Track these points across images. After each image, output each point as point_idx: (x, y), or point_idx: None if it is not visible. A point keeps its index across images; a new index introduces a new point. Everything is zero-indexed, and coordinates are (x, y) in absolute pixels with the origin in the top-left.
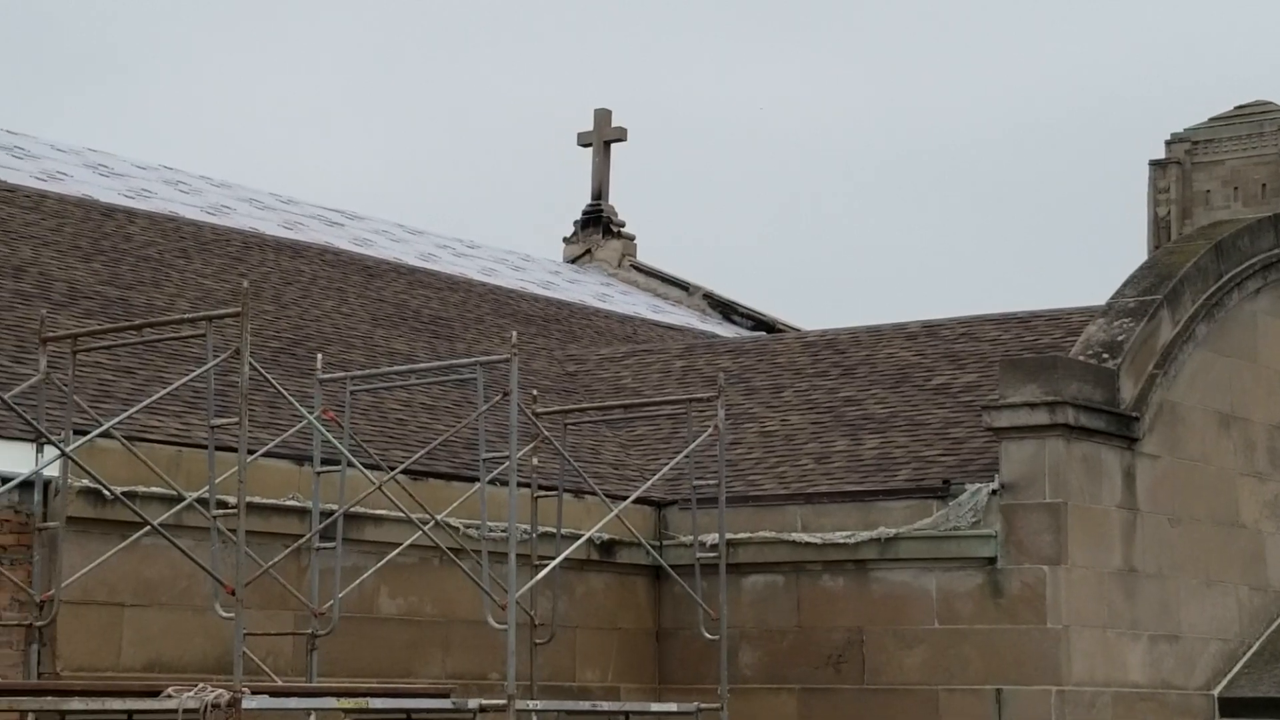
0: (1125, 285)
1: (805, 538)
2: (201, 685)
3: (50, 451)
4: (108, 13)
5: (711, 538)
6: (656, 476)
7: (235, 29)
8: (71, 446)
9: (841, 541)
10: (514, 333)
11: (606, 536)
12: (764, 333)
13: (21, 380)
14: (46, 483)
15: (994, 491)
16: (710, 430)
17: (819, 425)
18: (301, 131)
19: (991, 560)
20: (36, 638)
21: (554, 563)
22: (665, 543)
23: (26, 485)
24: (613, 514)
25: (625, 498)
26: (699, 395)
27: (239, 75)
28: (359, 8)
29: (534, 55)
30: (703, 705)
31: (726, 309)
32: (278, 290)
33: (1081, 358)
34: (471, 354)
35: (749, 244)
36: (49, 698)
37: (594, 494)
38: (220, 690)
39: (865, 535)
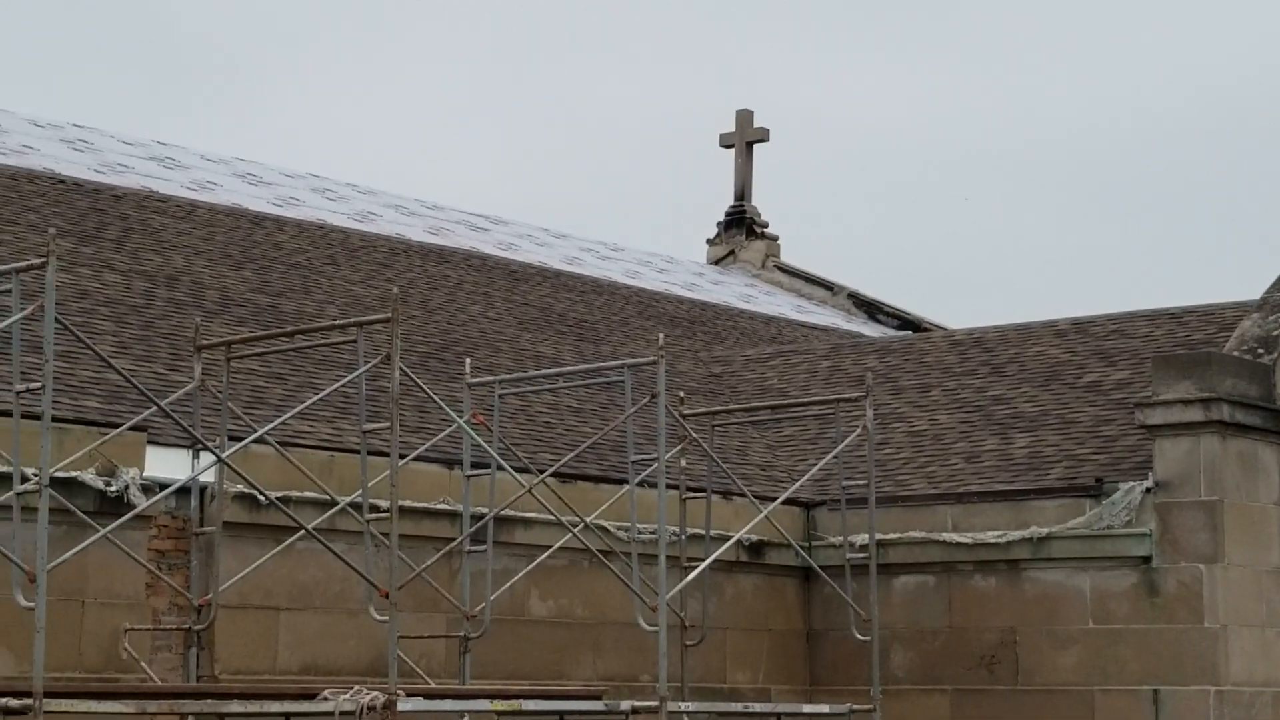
0: None
1: (956, 538)
2: (357, 688)
3: (206, 458)
4: (240, 23)
5: (861, 538)
6: (805, 477)
7: (367, 33)
8: (227, 453)
9: (993, 541)
10: (661, 335)
11: (755, 538)
12: (910, 332)
13: (177, 388)
14: (203, 488)
15: (1148, 490)
16: (858, 430)
17: (968, 424)
18: (440, 137)
19: (1146, 559)
20: (195, 641)
21: (704, 564)
22: (814, 544)
23: (183, 491)
24: (762, 515)
25: (774, 499)
26: (846, 395)
27: (376, 81)
28: (496, 9)
29: (674, 57)
30: (855, 707)
31: (871, 308)
32: (425, 295)
33: (1236, 353)
34: (617, 357)
35: (893, 243)
36: (209, 700)
37: (742, 495)
38: (376, 693)
39: (1017, 535)
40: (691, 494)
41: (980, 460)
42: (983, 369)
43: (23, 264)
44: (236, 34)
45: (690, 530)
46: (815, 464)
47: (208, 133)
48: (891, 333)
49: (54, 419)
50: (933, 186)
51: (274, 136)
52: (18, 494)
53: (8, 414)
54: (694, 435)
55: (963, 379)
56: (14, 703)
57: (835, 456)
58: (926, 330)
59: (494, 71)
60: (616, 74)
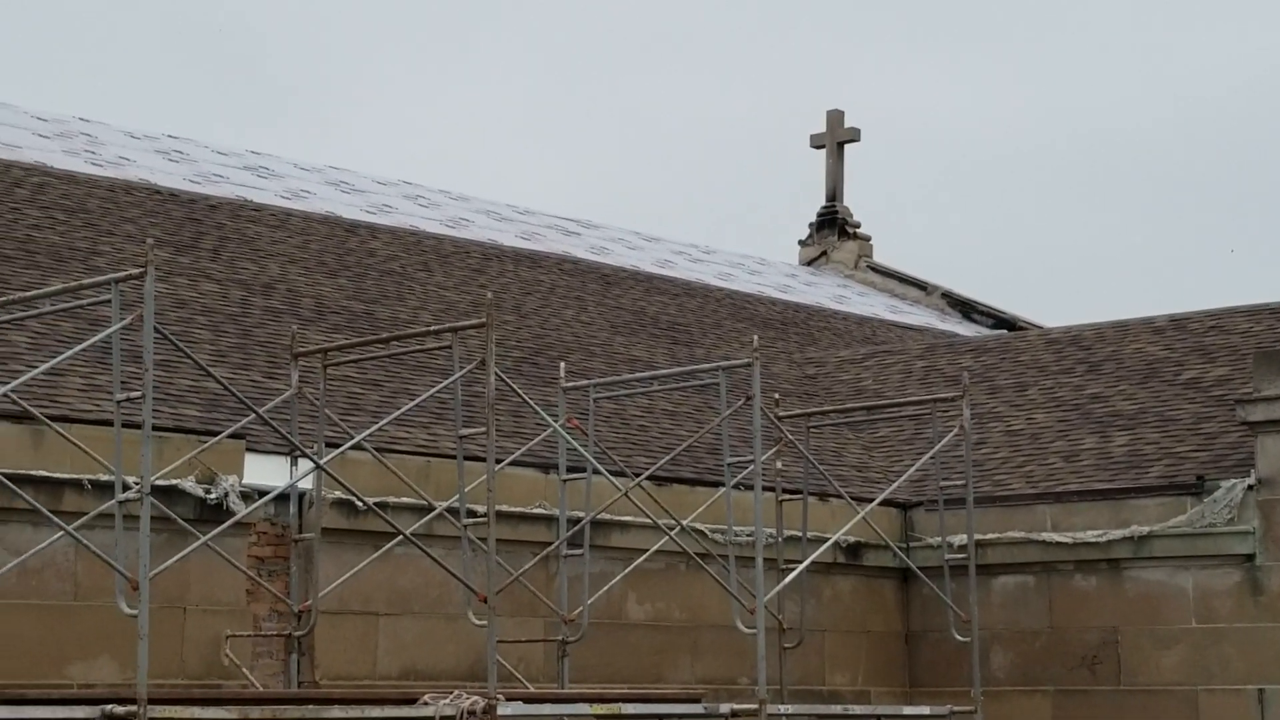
0: None
1: (1056, 537)
2: (457, 693)
3: (305, 464)
4: (317, 36)
5: (960, 539)
6: (902, 478)
7: (449, 37)
8: (325, 459)
9: (1093, 541)
10: (755, 336)
11: (853, 539)
12: (1005, 330)
13: (274, 395)
14: (301, 495)
15: (1250, 487)
16: (955, 430)
17: (1066, 423)
18: (529, 141)
19: (1250, 557)
20: (295, 647)
21: (801, 566)
22: (912, 544)
23: (282, 498)
24: (859, 516)
25: (871, 500)
26: (942, 395)
27: (464, 88)
28: (587, 12)
29: (765, 58)
30: (955, 708)
31: (966, 307)
32: (518, 300)
33: None
34: (710, 359)
35: (984, 241)
36: (310, 706)
37: (839, 497)
38: (475, 697)
39: (1118, 534)
40: (788, 496)
41: (1079, 459)
42: (1080, 367)
43: (122, 274)
44: (311, 43)
45: (787, 532)
46: (912, 465)
47: (282, 141)
48: (986, 332)
49: (154, 428)
50: (1022, 185)
51: (358, 146)
52: (120, 502)
53: (109, 423)
54: (790, 437)
55: (1060, 377)
56: (119, 709)
57: (932, 457)
58: (1022, 329)
59: (584, 75)
60: (707, 76)
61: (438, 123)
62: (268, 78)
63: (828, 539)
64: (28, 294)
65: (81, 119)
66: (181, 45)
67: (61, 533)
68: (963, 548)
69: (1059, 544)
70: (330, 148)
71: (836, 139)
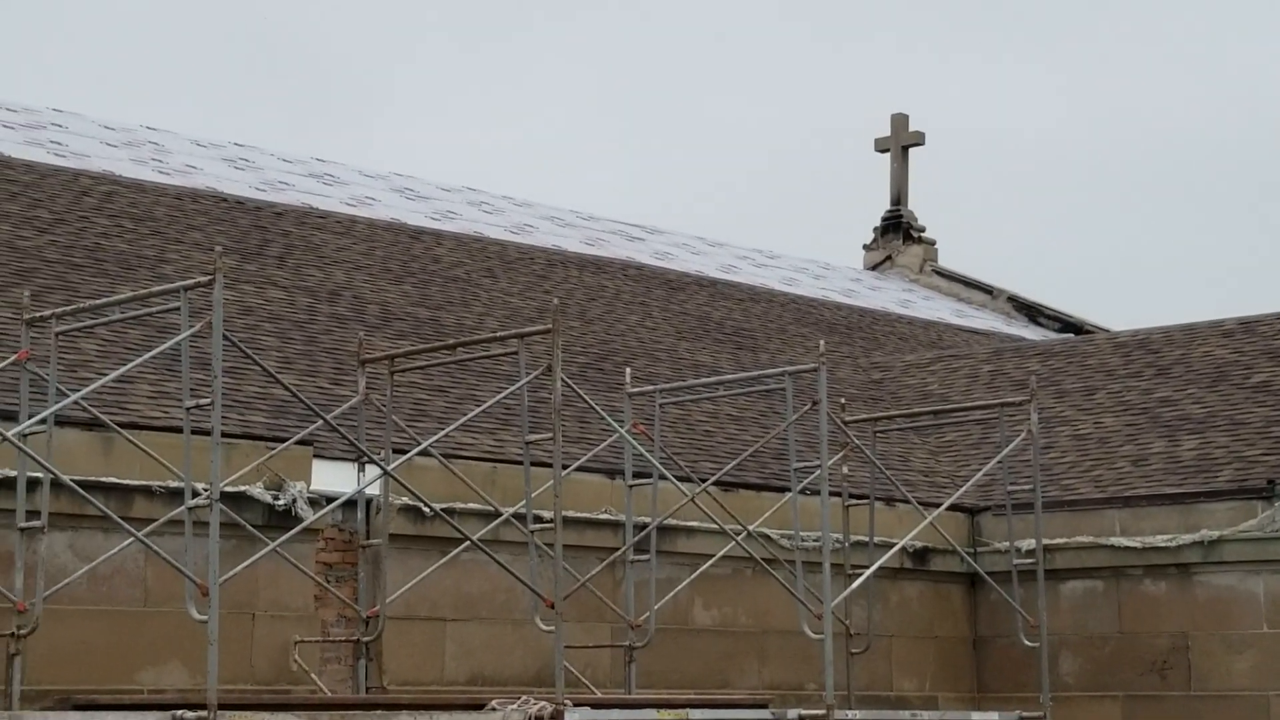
0: None
1: (1125, 542)
2: (524, 698)
3: (372, 470)
4: (373, 41)
5: (1027, 543)
6: (970, 483)
7: (512, 40)
8: (392, 465)
9: (1163, 545)
10: (821, 341)
11: (920, 544)
12: (1072, 334)
13: (340, 402)
14: (368, 501)
15: None
16: (1023, 435)
17: (1134, 427)
18: (592, 146)
19: None
20: (364, 653)
21: (868, 571)
22: (979, 549)
23: (350, 504)
24: (926, 521)
25: (938, 505)
26: (1010, 399)
27: (525, 93)
28: (650, 16)
29: (828, 62)
30: (1024, 714)
31: (1032, 311)
32: (582, 306)
33: None
34: (775, 364)
35: (1050, 245)
36: (379, 711)
37: (906, 501)
38: (543, 702)
39: (1188, 538)
40: (855, 501)
41: (1147, 463)
42: (1148, 370)
43: (190, 282)
44: (367, 49)
45: (854, 537)
46: (979, 469)
47: (338, 148)
48: (1053, 335)
49: (223, 434)
50: (1089, 187)
51: (420, 154)
52: (189, 509)
53: (178, 430)
54: (856, 442)
55: (1128, 381)
56: (189, 715)
57: (1000, 462)
58: (1088, 332)
59: (646, 79)
60: (771, 81)
61: (499, 129)
62: (323, 84)
63: (895, 544)
64: (97, 302)
65: (148, 128)
66: (239, 54)
67: (132, 539)
68: (1030, 552)
69: (1128, 549)
70: (392, 156)
71: (901, 143)
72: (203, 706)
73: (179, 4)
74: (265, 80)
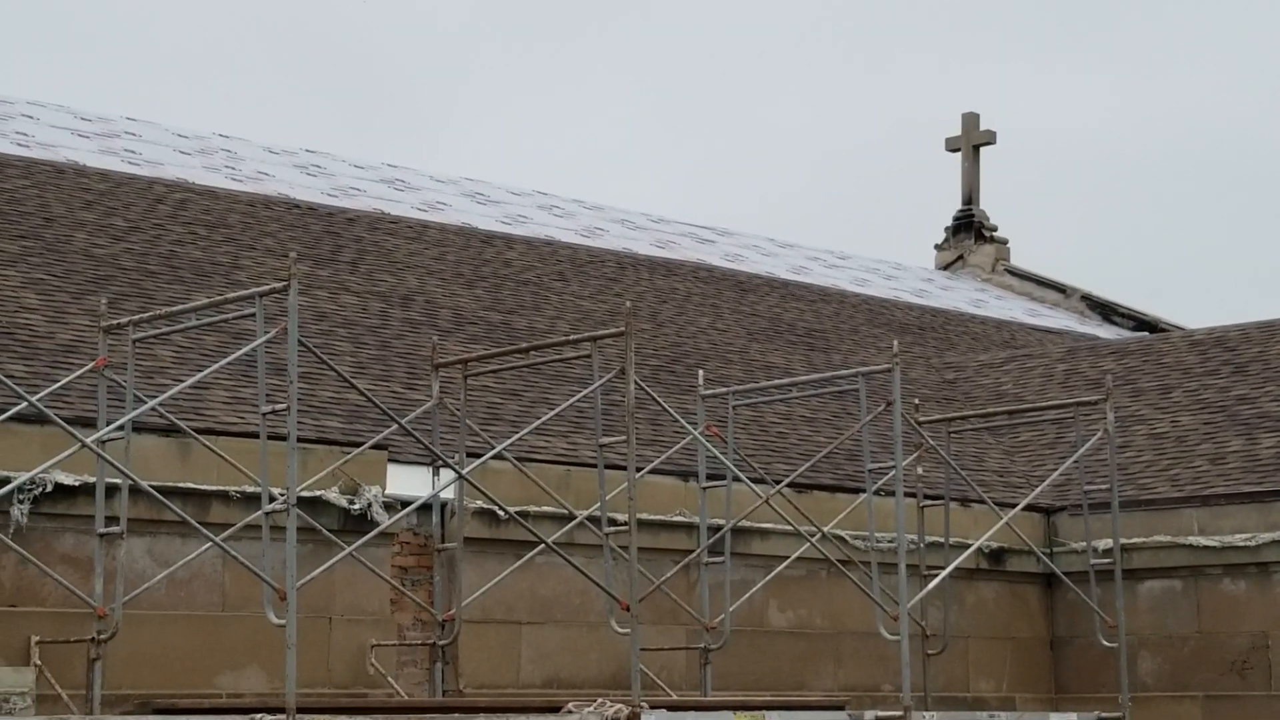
0: None
1: (1203, 541)
2: (601, 700)
3: (447, 474)
4: (435, 47)
5: (1104, 543)
6: (1046, 483)
7: (574, 43)
8: (467, 469)
9: (1242, 544)
10: (895, 342)
11: (995, 545)
12: (1146, 332)
13: (414, 406)
14: (443, 505)
15: None
16: (1099, 434)
17: (1211, 425)
18: (661, 149)
19: None
20: (440, 656)
21: (944, 572)
22: (1056, 550)
23: (425, 508)
24: (1002, 522)
25: (1013, 505)
26: (1085, 399)
27: (590, 97)
28: (718, 15)
29: (898, 62)
30: (1103, 715)
31: (1106, 310)
32: (654, 309)
33: None
34: (848, 365)
35: (1124, 243)
36: (456, 715)
37: (981, 502)
38: (619, 705)
39: (1268, 537)
40: (929, 502)
41: (1225, 461)
42: (1225, 368)
43: (265, 288)
44: (430, 55)
45: (929, 538)
46: (1054, 469)
47: (402, 154)
48: (1127, 334)
49: (298, 439)
50: (1160, 185)
51: (488, 158)
52: (266, 513)
53: (254, 435)
54: (930, 442)
55: (1204, 379)
56: (268, 718)
57: (1075, 461)
58: (1164, 330)
59: (717, 79)
60: (841, 80)
61: (562, 132)
62: (383, 90)
63: (970, 545)
64: (173, 309)
65: (221, 135)
66: (300, 60)
67: (209, 544)
68: (1108, 552)
69: (1207, 548)
70: (454, 162)
71: (972, 142)
72: (281, 710)
73: (245, 14)
74: (328, 87)
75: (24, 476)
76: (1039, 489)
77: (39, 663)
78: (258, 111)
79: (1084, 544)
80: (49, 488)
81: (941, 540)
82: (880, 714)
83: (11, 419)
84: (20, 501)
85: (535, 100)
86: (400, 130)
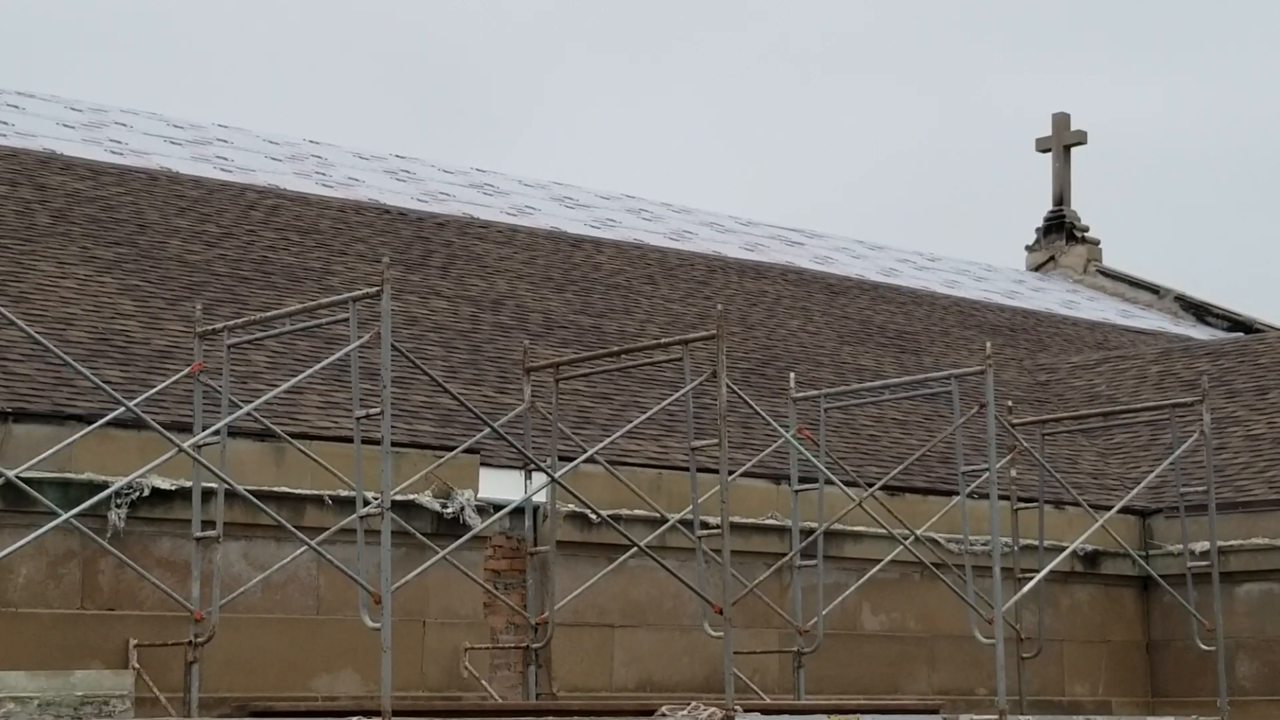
0: None
1: None
2: (694, 704)
3: (539, 478)
4: (513, 51)
5: (1201, 545)
6: (1141, 485)
7: (647, 44)
8: (559, 473)
9: None
10: (988, 343)
11: (1090, 547)
12: (1241, 333)
13: (505, 410)
14: (535, 508)
15: None
16: (1195, 435)
17: None
18: (750, 151)
19: None
20: (533, 659)
21: (1039, 576)
22: (1151, 552)
23: (517, 512)
24: (1097, 524)
25: (1108, 508)
26: (1180, 400)
27: (666, 96)
28: (804, 15)
29: (987, 62)
30: (1200, 719)
31: (1200, 310)
32: (743, 311)
33: None
34: (939, 367)
35: (1215, 244)
36: (549, 718)
37: (1075, 504)
38: (713, 708)
39: None
40: (1023, 504)
41: None
42: None
43: (358, 293)
44: (507, 59)
45: (1022, 541)
46: (1149, 471)
47: (485, 160)
48: (1222, 335)
49: (391, 444)
50: (1252, 185)
51: (576, 161)
52: (361, 517)
53: (347, 439)
54: (1024, 444)
55: None
56: None
57: (1171, 463)
58: (1259, 331)
59: (803, 80)
60: (929, 81)
61: (649, 133)
62: (462, 95)
63: (1065, 547)
64: (267, 314)
65: (311, 141)
66: (379, 64)
67: (304, 547)
68: (1204, 555)
69: None
70: (536, 165)
71: (1063, 142)
72: (377, 713)
73: (329, 21)
74: (407, 91)
75: (122, 481)
76: (1134, 491)
77: (137, 666)
78: (339, 116)
79: (1180, 546)
80: (146, 492)
81: (1035, 543)
82: (975, 718)
83: (109, 424)
84: (118, 506)
85: (619, 102)
86: (478, 134)
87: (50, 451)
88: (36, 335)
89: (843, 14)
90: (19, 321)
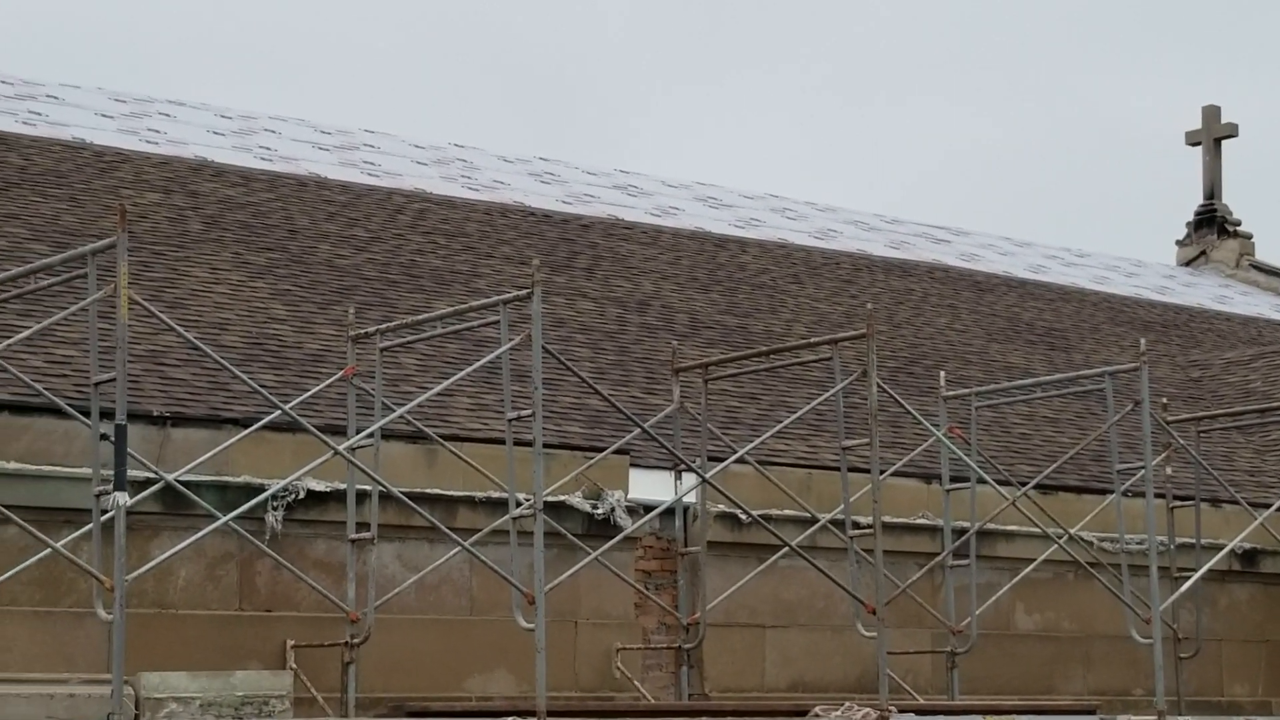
0: None
1: None
2: (848, 704)
3: (689, 479)
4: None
5: None
6: None
7: (764, 35)
8: (710, 473)
9: None
10: (1141, 340)
11: (1248, 546)
12: None
13: (654, 411)
14: (685, 509)
15: None
16: None
17: None
18: (894, 148)
19: None
20: (685, 660)
21: (1197, 575)
22: None
23: (667, 512)
24: (1256, 522)
25: (1267, 505)
26: None
27: (788, 94)
28: (956, 10)
29: (1136, 55)
30: None
31: None
32: (890, 310)
33: None
34: (1089, 364)
35: None
36: (703, 718)
37: (1233, 502)
38: (867, 709)
39: None
40: (1179, 502)
41: None
42: None
43: (509, 295)
44: (614, 59)
45: (1179, 539)
46: None
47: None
48: None
49: (543, 445)
50: None
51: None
52: (513, 518)
53: (497, 441)
54: (1180, 441)
55: None
56: None
57: None
58: None
59: (950, 81)
60: (1077, 76)
61: (761, 131)
62: (574, 98)
63: (1223, 546)
64: (418, 318)
65: (455, 144)
66: (495, 67)
67: (458, 549)
68: None
69: None
70: (643, 159)
71: (1213, 135)
72: (532, 713)
73: (449, 29)
74: (524, 100)
75: (278, 484)
76: None
77: (294, 666)
78: (482, 123)
79: None
80: (301, 495)
81: (1192, 541)
82: (1133, 718)
83: (264, 428)
84: (274, 509)
85: (726, 98)
86: (588, 135)
87: (208, 455)
88: (194, 340)
89: (986, 12)
90: (176, 327)
